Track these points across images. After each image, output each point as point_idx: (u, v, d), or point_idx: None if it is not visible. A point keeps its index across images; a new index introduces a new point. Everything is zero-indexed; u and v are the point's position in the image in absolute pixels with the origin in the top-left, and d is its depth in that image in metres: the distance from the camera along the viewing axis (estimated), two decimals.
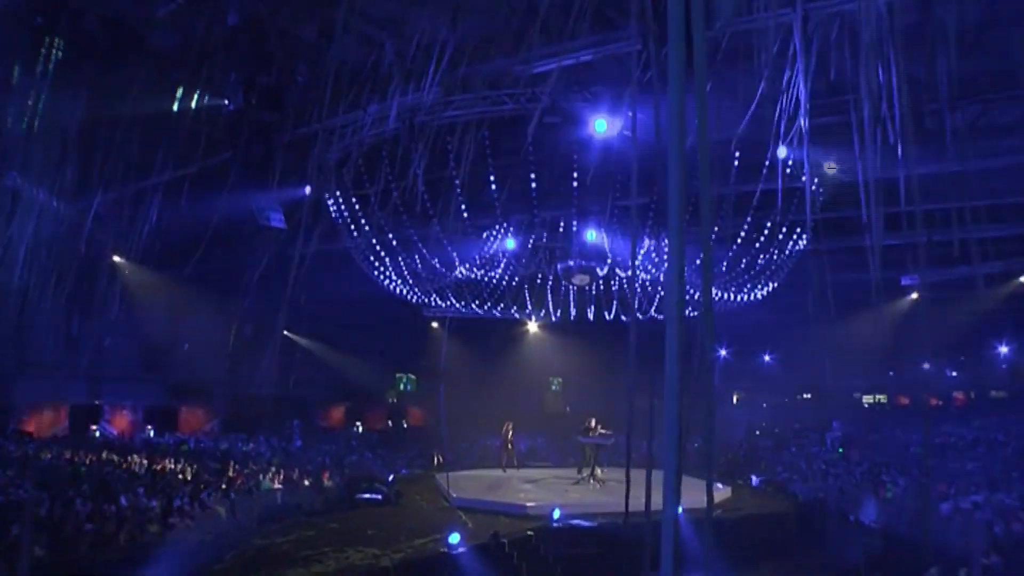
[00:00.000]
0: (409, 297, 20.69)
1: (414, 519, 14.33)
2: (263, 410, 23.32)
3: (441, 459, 23.43)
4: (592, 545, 13.03)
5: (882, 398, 28.29)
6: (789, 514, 14.82)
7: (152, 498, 13.22)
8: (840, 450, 21.37)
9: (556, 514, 13.95)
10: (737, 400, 33.55)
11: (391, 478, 18.82)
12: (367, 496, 16.39)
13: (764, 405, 30.85)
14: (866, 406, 28.78)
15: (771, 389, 31.42)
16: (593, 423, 17.75)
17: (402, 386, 32.88)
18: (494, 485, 17.90)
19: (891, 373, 26.56)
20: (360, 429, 29.27)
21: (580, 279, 18.67)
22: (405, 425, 31.34)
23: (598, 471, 17.94)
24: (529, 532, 13.13)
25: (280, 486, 16.63)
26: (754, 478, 18.75)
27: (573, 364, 29.57)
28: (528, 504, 15.00)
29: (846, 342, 26.05)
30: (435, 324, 27.34)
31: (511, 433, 20.12)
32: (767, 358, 31.89)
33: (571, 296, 21.60)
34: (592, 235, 17.20)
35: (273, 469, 17.66)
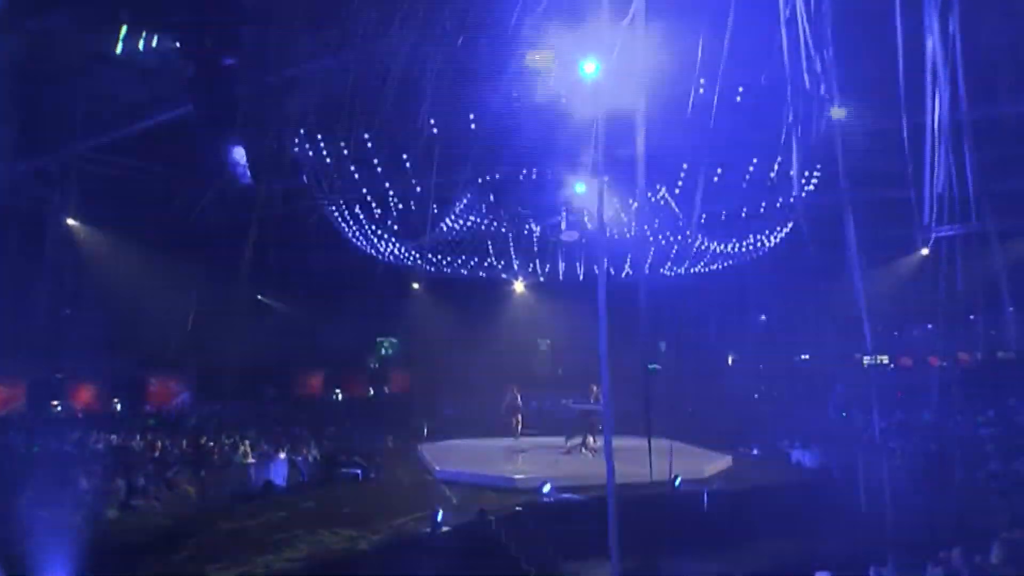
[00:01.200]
0: (387, 257, 20.29)
1: (395, 495, 14.03)
2: (237, 379, 22.80)
3: (425, 427, 23.04)
4: (586, 521, 12.52)
5: (884, 359, 28.03)
6: (794, 485, 14.51)
7: (115, 478, 12.65)
8: (844, 415, 21.06)
9: (546, 488, 13.65)
10: (732, 362, 33.25)
11: (371, 450, 18.41)
12: (345, 471, 16.13)
13: (761, 367, 30.56)
14: (867, 367, 28.50)
15: (768, 351, 31.09)
16: (595, 389, 17.26)
17: (384, 351, 32.37)
18: (480, 456, 17.57)
19: (895, 333, 26.25)
20: (339, 397, 28.88)
21: (569, 235, 18.28)
22: (387, 391, 30.90)
23: (591, 440, 17.64)
24: (518, 508, 12.80)
25: (254, 460, 16.13)
26: (754, 448, 18.42)
27: (563, 325, 28.89)
28: (516, 477, 14.68)
29: (847, 301, 25.66)
30: (416, 285, 26.81)
31: (519, 398, 19.44)
32: (763, 317, 31.50)
33: (560, 254, 21.22)
34: (582, 188, 16.46)
35: (247, 442, 17.12)
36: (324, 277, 24.63)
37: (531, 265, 21.57)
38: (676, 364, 31.30)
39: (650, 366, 34.65)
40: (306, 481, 15.79)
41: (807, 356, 30.73)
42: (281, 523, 11.90)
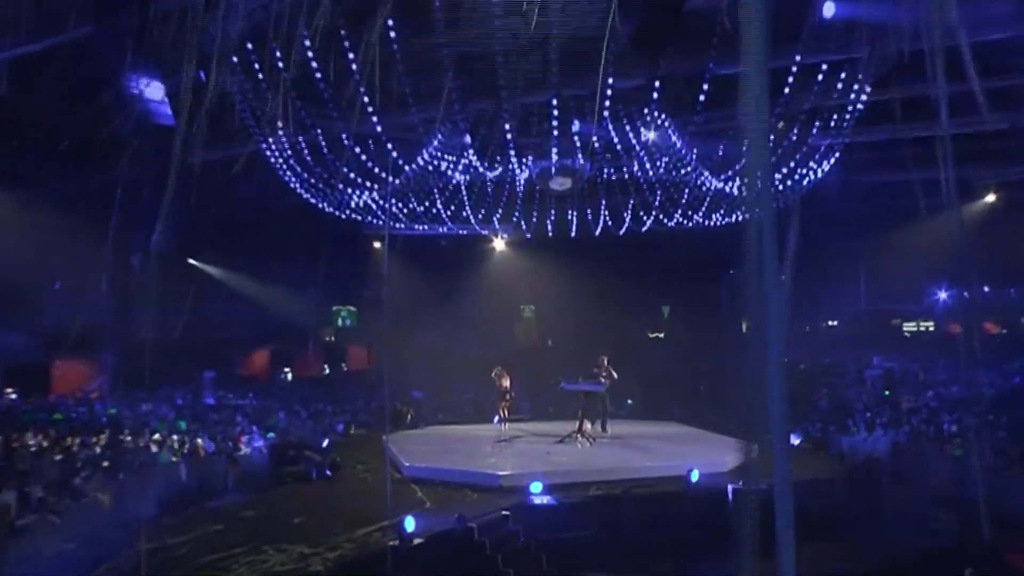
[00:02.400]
0: (343, 211, 19.88)
1: (356, 499, 13.58)
2: (165, 361, 22.19)
3: (409, 411, 22.49)
4: (585, 526, 12.30)
5: (929, 326, 27.72)
6: (836, 480, 14.04)
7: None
8: (887, 392, 20.63)
9: (537, 487, 13.13)
10: (746, 329, 32.86)
11: (326, 443, 17.85)
12: (295, 469, 15.71)
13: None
14: (908, 335, 28.18)
15: (789, 314, 30.69)
16: (605, 363, 16.94)
17: (340, 322, 32.08)
18: (457, 448, 17.17)
19: (942, 295, 25.85)
20: (289, 377, 28.53)
21: (561, 183, 17.77)
22: (345, 369, 30.68)
23: (587, 426, 17.33)
24: (504, 512, 12.33)
25: (184, 459, 15.44)
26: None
27: (551, 289, 29.02)
28: (501, 474, 14.21)
29: (884, 257, 25.34)
30: (378, 244, 26.37)
31: (506, 380, 18.97)
32: (782, 277, 31.02)
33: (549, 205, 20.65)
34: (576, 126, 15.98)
35: (176, 437, 16.46)
36: (268, 237, 24.06)
37: (514, 218, 21.20)
38: (682, 332, 31.07)
39: (651, 334, 34.56)
40: (248, 483, 15.21)
41: (835, 323, 30.33)
42: (216, 539, 11.32)
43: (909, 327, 28.37)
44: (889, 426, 16.27)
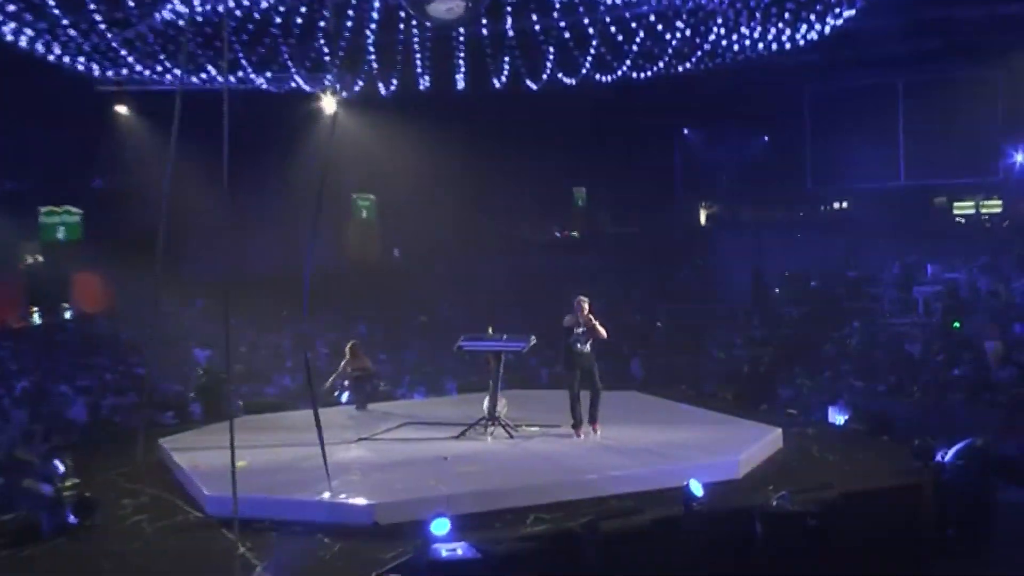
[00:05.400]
0: (63, 58, 19.44)
1: (128, 571, 11.84)
2: None
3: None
4: None
5: (993, 206, 28.19)
6: (918, 490, 13.41)
7: None
8: (957, 324, 20.44)
9: (441, 526, 11.94)
10: (707, 219, 33.15)
11: (58, 464, 15.94)
12: (10, 517, 13.34)
13: (764, 235, 30.44)
14: (961, 221, 28.59)
15: (773, 197, 31.04)
16: (586, 307, 15.96)
17: (56, 234, 31.18)
18: (291, 458, 15.73)
19: (1018, 158, 26.03)
20: None
21: (448, 8, 17.38)
22: (70, 313, 29.93)
23: (501, 406, 16.72)
24: None
25: None
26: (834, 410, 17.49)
27: (403, 169, 29.53)
28: (375, 504, 13.08)
29: (919, 104, 25.65)
30: (124, 109, 25.87)
31: (366, 362, 19.62)
32: (765, 138, 31.29)
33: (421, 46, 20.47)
34: None
35: None
36: None
37: (364, 66, 21.11)
38: (611, 228, 31.27)
39: (560, 232, 34.42)
40: None
41: (844, 203, 30.66)
42: None
43: (963, 208, 28.79)
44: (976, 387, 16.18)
